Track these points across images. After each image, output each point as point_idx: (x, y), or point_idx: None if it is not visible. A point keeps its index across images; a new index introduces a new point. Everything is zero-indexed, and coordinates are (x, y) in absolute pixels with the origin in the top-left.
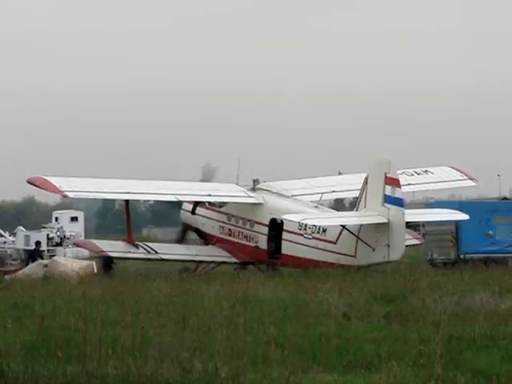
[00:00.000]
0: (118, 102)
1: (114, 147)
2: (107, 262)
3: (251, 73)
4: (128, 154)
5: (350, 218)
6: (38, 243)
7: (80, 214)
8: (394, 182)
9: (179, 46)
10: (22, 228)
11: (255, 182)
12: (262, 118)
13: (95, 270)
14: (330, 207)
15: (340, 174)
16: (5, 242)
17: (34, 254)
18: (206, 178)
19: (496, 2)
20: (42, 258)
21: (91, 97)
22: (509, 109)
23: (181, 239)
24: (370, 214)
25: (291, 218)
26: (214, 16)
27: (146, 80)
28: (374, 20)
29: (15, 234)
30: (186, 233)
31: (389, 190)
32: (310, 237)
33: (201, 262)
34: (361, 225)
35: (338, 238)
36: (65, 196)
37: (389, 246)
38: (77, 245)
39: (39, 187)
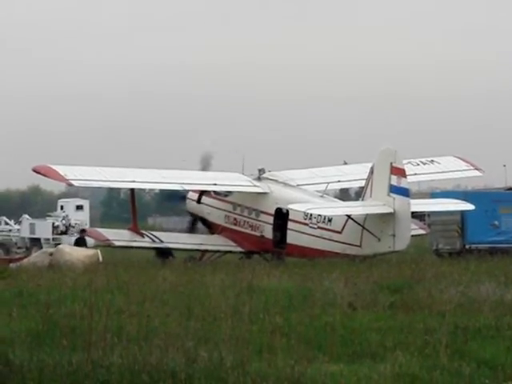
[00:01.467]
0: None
1: (117, 134)
2: (164, 252)
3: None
4: (132, 140)
5: (356, 208)
6: (83, 231)
7: (85, 203)
8: (400, 172)
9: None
10: (27, 216)
11: (260, 171)
12: (266, 109)
13: (100, 259)
14: (336, 197)
15: (345, 163)
16: (10, 230)
17: (79, 242)
18: (204, 164)
19: None
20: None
21: (93, 94)
22: None
23: (191, 229)
24: (375, 204)
25: (297, 207)
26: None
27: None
28: (373, 14)
29: (20, 222)
30: (195, 222)
31: (394, 180)
32: (315, 226)
33: (206, 251)
34: (366, 214)
35: (344, 227)
36: (70, 184)
37: (394, 235)
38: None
39: (44, 175)
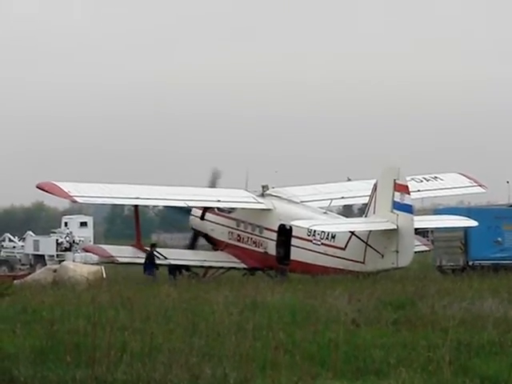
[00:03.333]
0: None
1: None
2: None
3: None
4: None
5: (359, 225)
6: (153, 245)
7: (89, 220)
8: (403, 189)
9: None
10: (31, 233)
11: (264, 187)
12: (271, 124)
13: (104, 275)
14: (339, 213)
15: (349, 180)
16: (14, 247)
17: (151, 258)
18: (213, 182)
19: None
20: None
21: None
22: None
23: (191, 245)
24: (378, 221)
25: (300, 224)
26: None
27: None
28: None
29: (24, 239)
30: (196, 239)
31: (398, 197)
32: (318, 243)
33: (210, 267)
34: (370, 231)
35: (347, 244)
36: (74, 201)
37: (397, 252)
38: (86, 250)
39: (48, 192)
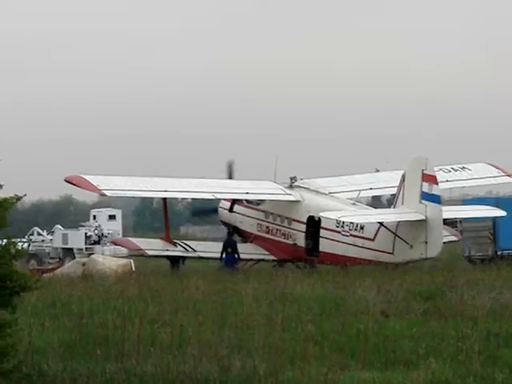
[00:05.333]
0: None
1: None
2: (174, 261)
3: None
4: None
5: (388, 215)
6: (230, 233)
7: (118, 213)
8: (431, 179)
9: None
10: (59, 226)
11: (292, 179)
12: (297, 116)
13: (133, 268)
14: (368, 204)
15: (377, 171)
16: (43, 241)
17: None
18: (229, 173)
19: None
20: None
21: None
22: None
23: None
24: (407, 211)
25: (329, 215)
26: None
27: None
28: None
29: (53, 232)
30: (232, 232)
31: (426, 187)
32: (347, 234)
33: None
34: (398, 222)
35: (376, 235)
36: (103, 195)
37: (426, 242)
38: (115, 243)
39: (77, 186)
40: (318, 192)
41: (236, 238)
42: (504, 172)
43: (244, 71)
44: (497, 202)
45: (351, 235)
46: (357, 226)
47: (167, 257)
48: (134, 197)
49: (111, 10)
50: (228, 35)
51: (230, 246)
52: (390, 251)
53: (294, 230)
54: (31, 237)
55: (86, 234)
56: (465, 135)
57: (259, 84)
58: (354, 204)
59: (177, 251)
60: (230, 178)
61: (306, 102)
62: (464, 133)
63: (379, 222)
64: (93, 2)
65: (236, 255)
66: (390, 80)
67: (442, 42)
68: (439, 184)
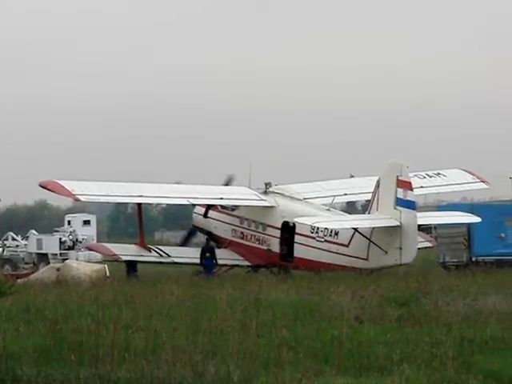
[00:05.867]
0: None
1: (121, 147)
2: (131, 265)
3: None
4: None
5: (362, 221)
6: (208, 239)
7: (92, 218)
8: (406, 185)
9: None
10: (34, 232)
11: (267, 185)
12: (270, 122)
13: (107, 274)
14: (342, 210)
15: (352, 176)
16: (17, 246)
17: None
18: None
19: None
20: None
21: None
22: None
23: (185, 242)
24: (382, 217)
25: (303, 221)
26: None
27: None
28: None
29: (27, 237)
30: (191, 236)
31: (401, 193)
32: (322, 240)
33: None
34: (373, 228)
35: (351, 240)
36: (77, 200)
37: (401, 248)
38: (89, 248)
39: (51, 191)
40: (292, 198)
41: (201, 243)
42: (479, 178)
43: (245, 76)
44: (471, 208)
45: (326, 241)
46: (331, 231)
47: (125, 262)
48: (108, 202)
49: (111, 10)
50: (227, 38)
51: (208, 251)
52: (365, 257)
53: (268, 235)
54: (5, 242)
55: (60, 239)
56: (466, 137)
57: (258, 90)
58: (328, 210)
59: (151, 256)
60: None
61: (305, 108)
62: (466, 134)
63: (354, 228)
64: (93, 2)
65: (214, 261)
66: (389, 85)
67: (443, 43)
68: (414, 190)
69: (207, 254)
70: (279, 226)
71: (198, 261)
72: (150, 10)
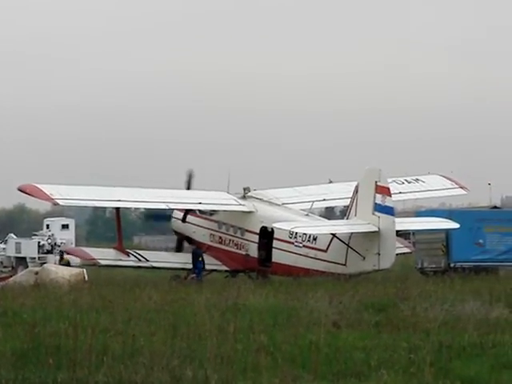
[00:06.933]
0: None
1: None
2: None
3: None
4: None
5: (341, 227)
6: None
7: (71, 222)
8: (385, 191)
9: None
10: (12, 235)
11: (246, 190)
12: (252, 129)
13: (86, 278)
14: (321, 215)
15: (330, 182)
16: None
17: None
18: (188, 183)
19: None
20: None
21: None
22: (503, 117)
23: (178, 248)
24: (360, 223)
25: (282, 226)
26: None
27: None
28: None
29: (6, 241)
30: (182, 242)
31: (379, 199)
32: (300, 245)
33: (191, 269)
34: (351, 233)
35: (329, 246)
36: (55, 204)
37: (379, 254)
38: (67, 252)
39: (30, 195)
40: (271, 203)
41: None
42: (457, 184)
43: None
44: (449, 214)
45: (304, 246)
46: (310, 237)
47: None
48: (87, 206)
49: (111, 10)
50: (227, 40)
51: (200, 255)
52: (343, 262)
53: (246, 240)
54: None
55: (39, 243)
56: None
57: (261, 93)
58: (307, 215)
59: (130, 261)
60: (189, 188)
61: (306, 112)
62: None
63: (332, 234)
64: (93, 2)
65: (203, 265)
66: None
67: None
68: (392, 196)
69: (200, 259)
70: (257, 231)
71: (176, 265)
72: (150, 11)
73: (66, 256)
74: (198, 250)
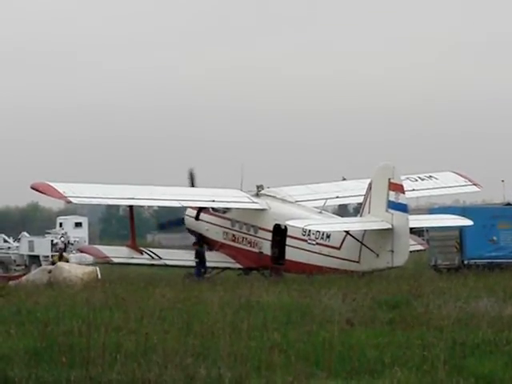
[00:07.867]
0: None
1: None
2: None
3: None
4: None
5: (354, 224)
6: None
7: (84, 220)
8: (398, 188)
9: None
10: (26, 234)
11: (259, 187)
12: (264, 124)
13: (99, 276)
14: (334, 213)
15: (344, 179)
16: (9, 248)
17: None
18: (191, 182)
19: None
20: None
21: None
22: None
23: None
24: (373, 220)
25: (295, 223)
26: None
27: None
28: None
29: (19, 239)
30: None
31: (393, 196)
32: (313, 242)
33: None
34: (365, 230)
35: (342, 243)
36: (68, 202)
37: (393, 251)
38: (81, 250)
39: (43, 193)
40: (284, 200)
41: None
42: (471, 181)
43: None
44: (463, 211)
45: (317, 244)
46: (323, 234)
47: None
48: (100, 204)
49: (111, 10)
50: (227, 40)
51: (203, 255)
52: (356, 260)
53: (260, 238)
54: None
55: (52, 241)
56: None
57: (262, 91)
58: (320, 212)
59: (143, 259)
60: (193, 186)
61: (309, 111)
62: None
63: (345, 231)
64: (93, 2)
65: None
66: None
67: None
68: (406, 193)
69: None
70: (271, 228)
71: (189, 263)
72: (150, 13)
73: (65, 254)
74: (202, 249)
